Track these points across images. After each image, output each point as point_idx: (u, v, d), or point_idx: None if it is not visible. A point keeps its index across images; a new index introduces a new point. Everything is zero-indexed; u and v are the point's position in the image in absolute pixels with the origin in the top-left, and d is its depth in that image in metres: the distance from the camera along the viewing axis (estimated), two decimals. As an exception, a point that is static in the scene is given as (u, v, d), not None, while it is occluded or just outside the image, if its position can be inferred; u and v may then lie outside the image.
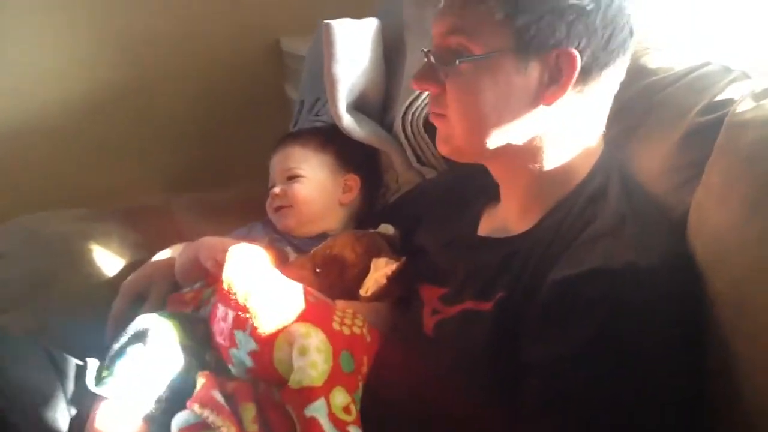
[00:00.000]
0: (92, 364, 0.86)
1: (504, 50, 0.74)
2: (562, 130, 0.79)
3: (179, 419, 0.78)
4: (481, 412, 0.73)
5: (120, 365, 0.84)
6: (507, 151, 0.79)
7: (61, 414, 0.85)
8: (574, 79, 0.74)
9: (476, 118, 0.78)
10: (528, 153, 0.80)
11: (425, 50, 0.82)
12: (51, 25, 1.61)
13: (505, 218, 0.87)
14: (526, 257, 0.77)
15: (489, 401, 0.73)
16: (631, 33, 0.77)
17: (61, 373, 0.88)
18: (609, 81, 0.78)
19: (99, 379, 0.84)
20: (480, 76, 0.76)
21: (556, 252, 0.74)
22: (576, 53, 0.73)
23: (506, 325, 0.75)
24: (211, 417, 0.76)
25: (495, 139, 0.78)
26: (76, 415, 0.87)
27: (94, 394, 0.84)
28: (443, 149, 0.84)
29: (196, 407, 0.78)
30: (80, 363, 0.91)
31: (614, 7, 0.74)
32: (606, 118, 0.82)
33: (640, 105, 0.88)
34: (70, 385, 0.88)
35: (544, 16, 0.72)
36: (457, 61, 0.76)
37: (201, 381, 0.82)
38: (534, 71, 0.75)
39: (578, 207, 0.78)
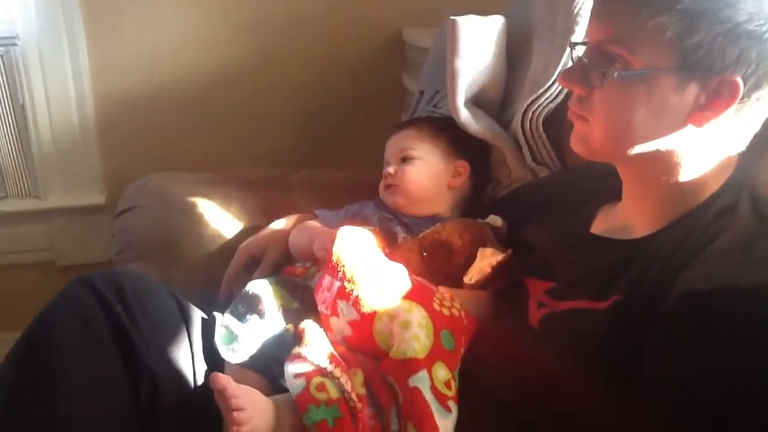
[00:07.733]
0: (219, 320, 0.92)
1: (666, 69, 0.72)
2: (703, 148, 0.77)
3: (295, 366, 0.81)
4: (583, 405, 0.74)
5: (241, 334, 0.89)
6: (644, 160, 0.78)
7: (185, 355, 0.91)
8: (733, 107, 0.72)
9: (622, 129, 0.77)
10: (665, 166, 0.78)
11: (575, 49, 0.80)
12: (189, 6, 1.71)
13: (625, 220, 0.87)
14: (647, 263, 0.77)
15: (592, 397, 0.74)
16: None
17: (187, 319, 0.95)
18: (764, 104, 0.74)
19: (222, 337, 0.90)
20: (635, 90, 0.74)
21: (681, 262, 0.74)
22: (740, 82, 0.70)
23: (621, 327, 0.75)
24: (330, 368, 0.80)
25: (635, 150, 0.77)
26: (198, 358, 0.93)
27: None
28: (578, 148, 0.83)
29: (319, 357, 0.82)
30: (204, 316, 0.98)
31: None
32: (750, 138, 0.78)
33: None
34: (195, 332, 0.94)
35: (717, 38, 0.69)
36: (615, 73, 0.74)
37: (312, 331, 0.86)
38: (691, 93, 0.72)
39: (706, 220, 0.77)
